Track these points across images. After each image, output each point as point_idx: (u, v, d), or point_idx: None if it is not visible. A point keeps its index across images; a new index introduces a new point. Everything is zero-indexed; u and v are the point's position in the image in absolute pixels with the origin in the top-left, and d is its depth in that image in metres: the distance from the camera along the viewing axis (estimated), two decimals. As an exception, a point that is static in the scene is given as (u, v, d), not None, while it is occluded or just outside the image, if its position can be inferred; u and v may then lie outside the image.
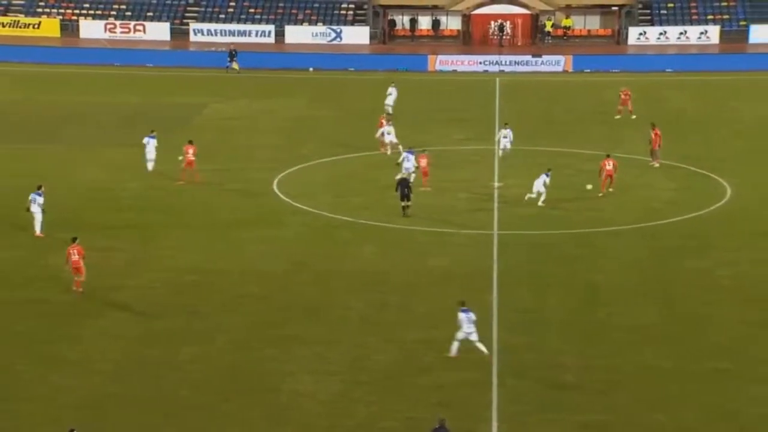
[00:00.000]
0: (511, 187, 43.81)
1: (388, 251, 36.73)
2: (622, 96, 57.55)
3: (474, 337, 27.77)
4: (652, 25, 79.34)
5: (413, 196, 39.89)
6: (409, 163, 42.78)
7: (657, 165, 46.38)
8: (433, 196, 42.53)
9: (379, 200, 41.43)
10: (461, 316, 27.91)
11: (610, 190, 42.08)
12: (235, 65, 70.45)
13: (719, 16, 79.37)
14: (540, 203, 40.80)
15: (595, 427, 24.84)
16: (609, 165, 42.20)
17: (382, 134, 48.99)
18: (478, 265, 35.07)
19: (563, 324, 30.48)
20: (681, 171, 46.00)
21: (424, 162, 43.05)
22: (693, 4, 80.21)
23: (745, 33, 77.41)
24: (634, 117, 55.98)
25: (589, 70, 72.30)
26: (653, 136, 46.73)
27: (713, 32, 77.74)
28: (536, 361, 28.08)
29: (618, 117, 56.66)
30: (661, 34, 78.10)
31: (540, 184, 40.99)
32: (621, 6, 79.63)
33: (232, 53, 70.80)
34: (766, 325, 30.01)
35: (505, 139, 47.55)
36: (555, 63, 73.15)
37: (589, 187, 42.06)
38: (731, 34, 77.80)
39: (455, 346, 27.92)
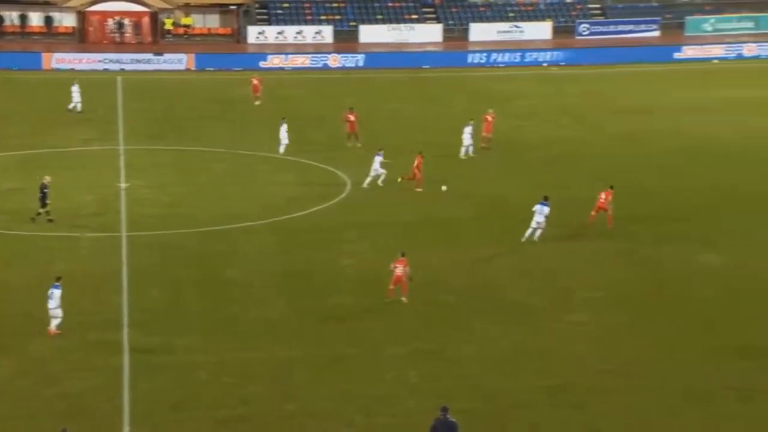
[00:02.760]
0: (138, 188, 43.29)
1: (9, 259, 35.00)
2: (255, 82, 59.99)
3: (58, 313, 28.64)
4: (270, 24, 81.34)
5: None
6: None
7: (359, 145, 48.62)
8: (57, 199, 41.01)
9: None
10: (53, 291, 28.60)
11: (418, 190, 42.90)
12: None
13: (331, 17, 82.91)
14: (380, 182, 42.92)
15: (231, 422, 25.20)
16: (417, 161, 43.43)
17: None
18: (107, 268, 34.33)
19: (197, 321, 30.60)
20: (302, 165, 47.57)
21: None
22: (307, 5, 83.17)
23: (355, 33, 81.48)
24: (258, 103, 59.00)
25: (212, 69, 72.81)
26: (352, 117, 49.18)
27: (327, 32, 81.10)
28: (169, 361, 28.01)
29: (257, 103, 59.19)
30: (279, 33, 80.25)
31: (377, 165, 42.80)
32: (239, 5, 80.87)
33: None
34: (367, 309, 31.47)
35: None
36: (177, 61, 72.91)
37: (444, 188, 42.56)
38: (343, 34, 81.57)
39: (54, 322, 28.70)
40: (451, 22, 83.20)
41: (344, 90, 66.24)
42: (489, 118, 49.94)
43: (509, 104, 55.92)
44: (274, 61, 74.37)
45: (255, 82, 60.67)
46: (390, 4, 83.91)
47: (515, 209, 39.53)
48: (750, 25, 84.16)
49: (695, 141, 51.56)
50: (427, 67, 74.50)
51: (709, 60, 76.38)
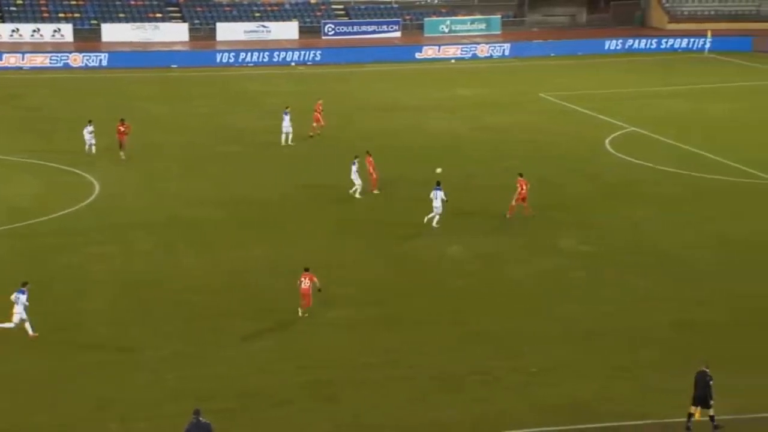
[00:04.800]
0: None
1: None
2: None
3: (25, 316, 28.85)
4: (4, 22, 77.72)
5: None
6: None
7: (124, 157, 47.20)
8: None
9: None
10: (18, 296, 28.71)
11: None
12: None
13: (71, 15, 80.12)
14: (357, 194, 41.49)
15: (-23, 438, 24.00)
16: (371, 160, 42.47)
17: None
18: None
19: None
20: (45, 168, 45.79)
21: None
22: (43, 2, 79.99)
23: (98, 31, 79.14)
24: None
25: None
26: (122, 128, 47.52)
27: (67, 30, 78.30)
28: None
29: None
30: (14, 31, 76.77)
31: (354, 174, 41.40)
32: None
33: None
34: (120, 312, 30.95)
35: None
36: None
37: (439, 170, 40.67)
38: (84, 33, 79.02)
39: (27, 327, 28.80)
40: (197, 21, 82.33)
41: (88, 90, 64.34)
42: (318, 108, 52.32)
43: (261, 103, 55.96)
44: (10, 60, 71.27)
45: None
46: (132, 3, 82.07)
47: (271, 208, 39.50)
48: (482, 26, 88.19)
49: (437, 138, 53.41)
50: (175, 66, 73.42)
51: (447, 60, 79.40)
